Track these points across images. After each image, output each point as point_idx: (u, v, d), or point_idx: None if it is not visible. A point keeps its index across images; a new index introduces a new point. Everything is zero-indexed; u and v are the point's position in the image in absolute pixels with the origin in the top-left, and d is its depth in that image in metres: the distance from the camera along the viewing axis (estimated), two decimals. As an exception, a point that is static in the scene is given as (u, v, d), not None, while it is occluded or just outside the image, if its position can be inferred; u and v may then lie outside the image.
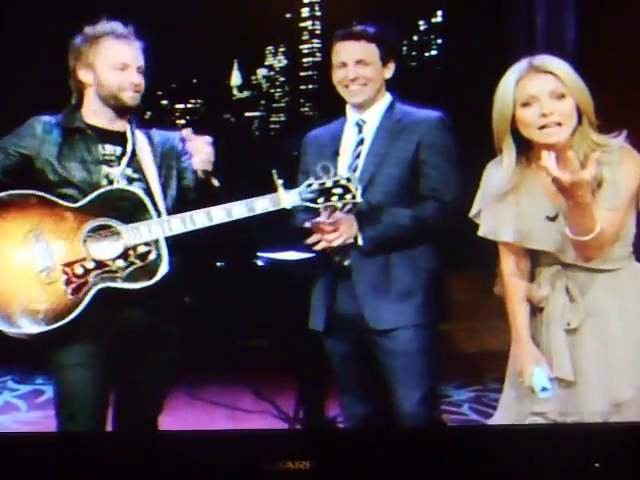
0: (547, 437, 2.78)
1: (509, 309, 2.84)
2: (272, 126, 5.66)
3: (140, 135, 3.11)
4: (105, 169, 3.03)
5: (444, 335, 3.29)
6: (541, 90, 2.66)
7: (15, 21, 4.84)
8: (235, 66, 5.64)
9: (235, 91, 5.66)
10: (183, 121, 5.55)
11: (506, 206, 2.78)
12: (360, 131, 3.24)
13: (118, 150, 3.06)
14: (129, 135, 3.08)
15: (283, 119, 5.63)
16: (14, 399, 4.82)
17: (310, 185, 3.02)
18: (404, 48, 5.06)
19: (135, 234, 2.96)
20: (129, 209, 2.98)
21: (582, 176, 2.52)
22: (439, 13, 5.53)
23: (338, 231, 3.10)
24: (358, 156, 3.21)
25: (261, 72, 5.70)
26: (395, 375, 3.15)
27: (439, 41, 5.50)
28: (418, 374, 3.15)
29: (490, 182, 2.81)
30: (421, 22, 5.48)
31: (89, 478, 2.88)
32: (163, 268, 2.96)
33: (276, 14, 5.43)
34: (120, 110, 3.06)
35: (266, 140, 5.62)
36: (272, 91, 5.71)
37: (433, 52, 5.53)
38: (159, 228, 2.97)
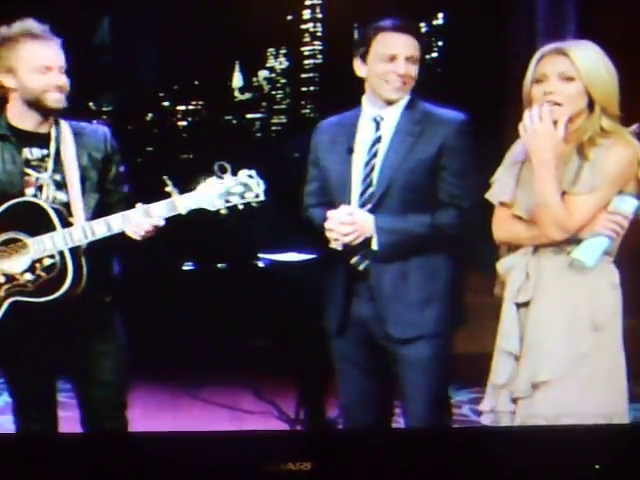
0: (547, 439, 2.78)
1: None
2: (273, 128, 5.66)
3: (67, 136, 3.04)
4: (34, 174, 2.99)
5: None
6: (552, 70, 2.77)
7: None
8: (236, 68, 5.64)
9: (236, 93, 5.66)
10: (184, 123, 5.55)
11: (513, 172, 2.88)
12: (378, 128, 3.14)
13: (44, 153, 3.01)
14: (53, 136, 3.02)
15: (284, 121, 5.63)
16: (15, 400, 4.82)
17: (206, 187, 2.93)
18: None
19: (40, 246, 2.95)
20: (36, 221, 2.95)
21: (546, 129, 2.69)
22: (440, 15, 5.54)
23: (355, 228, 3.03)
24: (375, 155, 3.12)
25: (262, 74, 5.70)
26: (406, 382, 3.12)
27: (440, 43, 5.50)
28: (430, 382, 3.11)
29: (512, 151, 2.92)
30: (422, 24, 5.48)
31: (88, 478, 2.88)
32: (67, 281, 2.93)
33: (277, 16, 5.42)
34: (45, 113, 3.00)
35: (267, 142, 5.62)
36: (273, 93, 5.71)
37: (434, 54, 5.53)
38: (61, 240, 2.94)
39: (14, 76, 2.98)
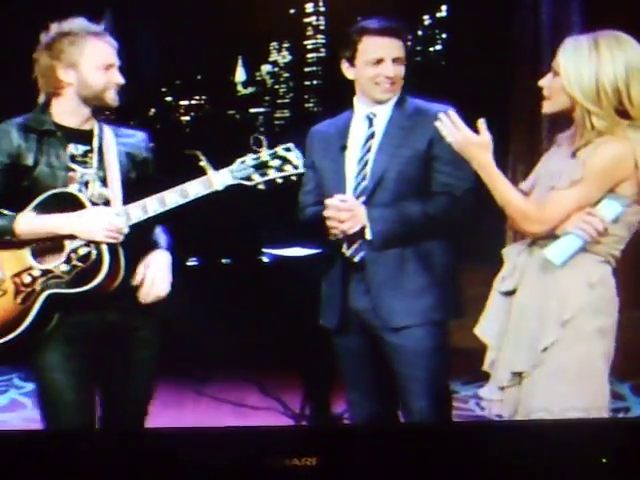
0: (554, 432, 2.77)
1: None
2: (277, 122, 5.66)
3: (108, 134, 3.04)
4: (79, 170, 2.98)
5: (451, 331, 3.28)
6: (553, 62, 2.74)
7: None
8: (239, 62, 5.63)
9: (240, 87, 5.65)
10: (188, 117, 5.54)
11: (542, 164, 2.87)
12: (371, 125, 3.19)
13: (87, 148, 3.00)
14: (96, 132, 3.02)
15: (288, 115, 5.62)
16: (20, 397, 4.83)
17: (244, 162, 2.91)
18: (409, 43, 5.04)
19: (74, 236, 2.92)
20: (70, 211, 2.92)
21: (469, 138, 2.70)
22: (443, 8, 5.52)
23: (352, 214, 3.03)
24: (369, 150, 3.17)
25: (265, 68, 5.69)
26: (404, 373, 3.14)
27: (444, 36, 5.48)
28: (428, 372, 3.13)
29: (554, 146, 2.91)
30: (425, 17, 5.47)
31: (94, 475, 2.88)
32: (104, 269, 2.90)
33: (280, 10, 5.41)
34: (98, 110, 3.01)
35: (271, 136, 5.61)
36: (276, 87, 5.70)
37: (438, 47, 5.52)
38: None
39: (75, 71, 2.96)
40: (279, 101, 5.69)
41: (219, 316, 4.52)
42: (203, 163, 2.87)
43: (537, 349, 2.73)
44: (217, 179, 2.89)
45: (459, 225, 3.14)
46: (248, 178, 2.89)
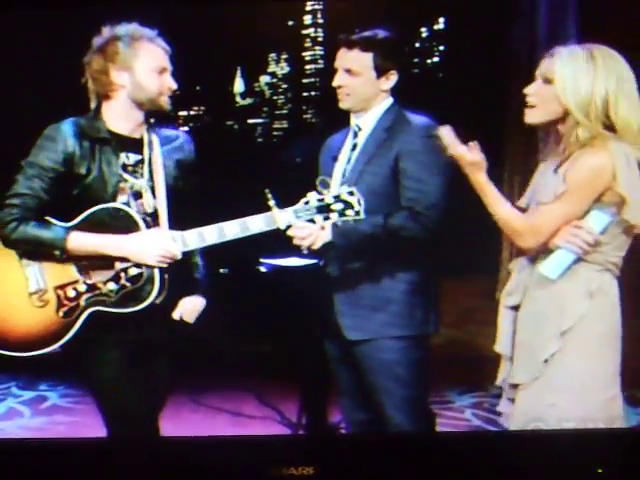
0: (549, 443, 2.78)
1: None
2: (275, 133, 5.67)
3: (156, 142, 3.02)
4: (131, 180, 2.96)
5: (446, 341, 3.29)
6: (540, 70, 2.73)
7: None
8: (238, 73, 5.64)
9: (238, 98, 5.66)
10: (186, 128, 5.55)
11: (532, 180, 2.87)
12: (355, 136, 3.22)
13: (138, 158, 2.98)
14: (146, 141, 3.00)
15: (286, 126, 5.63)
16: (18, 405, 4.82)
17: (307, 202, 2.91)
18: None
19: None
20: (122, 228, 2.90)
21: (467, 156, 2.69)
22: (441, 20, 5.54)
23: (310, 231, 2.99)
24: (348, 162, 3.19)
25: (264, 79, 5.70)
26: (373, 386, 3.14)
27: (441, 48, 5.50)
28: (397, 386, 3.12)
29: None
30: (423, 29, 5.48)
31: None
32: (154, 292, 2.90)
33: (279, 21, 5.43)
34: (149, 114, 2.98)
35: (269, 147, 5.62)
36: (275, 98, 5.71)
37: (435, 59, 5.54)
38: None
39: (129, 74, 2.94)
40: (277, 112, 5.69)
41: (216, 326, 4.52)
42: (271, 202, 2.87)
43: (532, 361, 2.74)
44: (281, 218, 2.88)
45: (419, 240, 3.09)
46: (311, 219, 2.90)
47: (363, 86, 3.16)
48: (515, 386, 2.79)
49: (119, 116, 2.97)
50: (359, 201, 2.88)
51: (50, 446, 3.27)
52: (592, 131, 2.66)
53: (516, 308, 2.82)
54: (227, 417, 4.44)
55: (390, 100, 3.21)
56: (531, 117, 2.75)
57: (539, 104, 2.72)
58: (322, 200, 2.89)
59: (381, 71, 3.16)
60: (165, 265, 2.89)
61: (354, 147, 3.20)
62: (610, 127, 2.67)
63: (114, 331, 2.93)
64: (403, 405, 3.13)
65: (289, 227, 2.92)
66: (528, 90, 2.74)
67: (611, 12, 4.32)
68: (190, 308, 3.07)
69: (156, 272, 2.90)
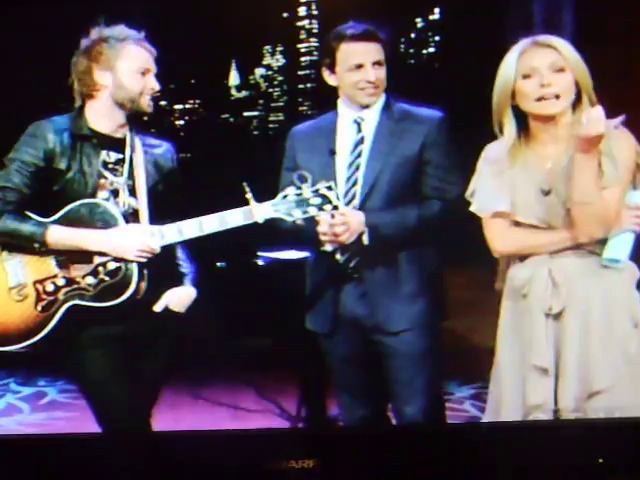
0: (551, 433, 2.78)
1: None
2: (271, 125, 5.65)
3: (138, 143, 3.06)
4: (110, 177, 2.99)
5: (445, 332, 3.29)
6: (542, 62, 2.76)
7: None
8: (233, 66, 5.63)
9: (233, 91, 5.65)
10: (182, 122, 5.54)
11: (503, 179, 2.83)
12: (359, 129, 3.19)
13: (119, 157, 3.02)
14: (128, 141, 3.04)
15: (282, 118, 5.61)
16: (17, 401, 4.82)
17: (286, 196, 2.93)
18: (402, 46, 5.06)
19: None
20: (101, 224, 2.93)
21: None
22: (436, 10, 5.52)
23: (347, 227, 3.03)
24: (359, 155, 3.17)
25: (259, 72, 5.68)
26: (400, 375, 3.15)
27: (437, 38, 5.48)
28: (423, 375, 3.16)
29: (488, 159, 2.88)
30: (418, 19, 5.47)
31: (93, 478, 2.88)
32: (132, 286, 2.92)
33: (273, 14, 5.41)
34: (131, 115, 3.02)
35: (265, 140, 5.61)
36: (270, 90, 5.69)
37: (431, 50, 5.52)
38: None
39: (112, 74, 2.99)
40: (273, 104, 5.68)
41: (214, 319, 4.51)
42: (248, 195, 2.90)
43: (617, 360, 2.73)
44: (259, 211, 2.92)
45: (448, 229, 3.15)
46: (289, 214, 2.92)
47: (385, 78, 3.18)
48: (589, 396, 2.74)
49: (102, 115, 3.02)
50: (337, 196, 2.93)
51: (50, 442, 3.27)
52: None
53: (554, 315, 2.77)
54: (226, 411, 4.43)
55: (383, 95, 3.22)
56: (556, 107, 2.77)
57: (562, 93, 2.76)
58: (300, 194, 2.91)
59: (385, 63, 3.18)
60: (144, 260, 2.89)
61: (362, 140, 3.18)
62: None
63: (97, 327, 2.96)
64: (425, 395, 3.17)
65: (267, 221, 2.94)
66: (547, 81, 2.75)
67: (607, 1, 4.31)
68: (175, 299, 3.07)
69: (135, 266, 2.92)
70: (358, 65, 3.13)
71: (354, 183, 3.17)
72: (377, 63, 3.15)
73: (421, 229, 3.13)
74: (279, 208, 2.92)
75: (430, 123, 3.15)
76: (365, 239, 3.08)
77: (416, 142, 3.13)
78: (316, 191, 2.92)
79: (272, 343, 4.71)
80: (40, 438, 3.57)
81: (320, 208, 2.92)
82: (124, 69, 2.99)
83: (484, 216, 2.87)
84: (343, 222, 3.03)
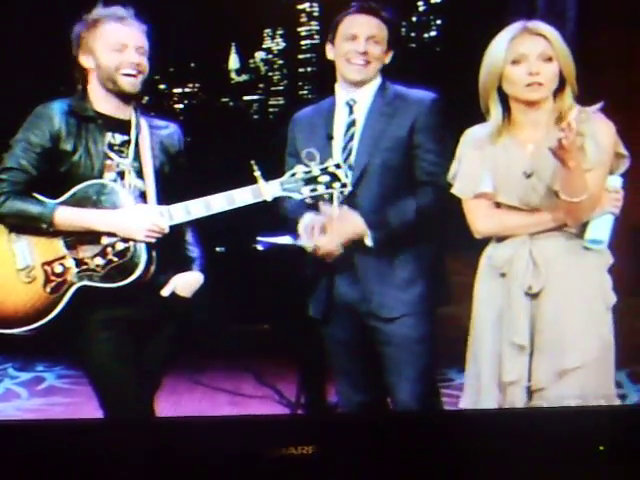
0: (551, 421, 2.78)
1: None
2: (271, 109, 5.63)
3: (144, 125, 3.04)
4: (116, 159, 2.98)
5: (444, 318, 3.28)
6: (531, 50, 2.78)
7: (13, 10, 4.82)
8: (233, 49, 5.60)
9: (233, 75, 5.62)
10: (181, 105, 5.52)
11: (485, 161, 2.86)
12: (351, 112, 3.17)
13: (125, 138, 3.00)
14: (134, 123, 3.02)
15: (282, 102, 5.59)
16: (15, 386, 4.82)
17: (294, 174, 2.92)
18: (403, 29, 5.03)
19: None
20: (109, 204, 2.92)
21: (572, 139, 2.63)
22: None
23: (334, 231, 3.02)
24: (352, 138, 3.14)
25: (259, 55, 5.66)
26: (395, 362, 3.14)
27: (438, 22, 5.46)
28: (419, 361, 3.14)
29: (470, 142, 2.90)
30: (420, 3, 5.44)
31: (91, 464, 2.88)
32: (141, 266, 2.91)
33: (273, -4, 5.39)
34: (121, 96, 2.99)
35: (265, 123, 5.59)
36: (270, 74, 5.67)
37: (432, 33, 5.50)
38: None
39: (93, 56, 2.98)
40: (273, 88, 5.66)
41: (214, 305, 4.50)
42: (257, 174, 2.89)
43: (591, 341, 2.76)
44: (267, 190, 2.91)
45: (446, 215, 3.11)
46: (298, 191, 2.91)
47: (380, 56, 3.14)
48: (560, 374, 2.78)
49: (100, 98, 3.01)
50: (346, 174, 2.92)
51: (48, 427, 3.26)
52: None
53: (534, 294, 2.81)
54: (226, 397, 4.44)
55: (379, 77, 3.19)
56: (539, 93, 2.80)
57: (546, 82, 2.79)
58: (309, 172, 2.91)
59: (388, 47, 3.15)
60: (153, 240, 2.89)
61: (353, 123, 3.15)
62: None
63: (104, 309, 2.94)
64: (421, 382, 3.15)
65: (275, 200, 2.94)
66: (535, 70, 2.78)
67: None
68: (182, 284, 3.06)
69: (143, 247, 2.91)
70: (353, 36, 3.11)
71: (349, 168, 3.11)
72: (372, 38, 3.11)
73: (420, 220, 3.10)
74: (288, 186, 2.92)
75: (421, 104, 3.11)
76: (368, 241, 3.06)
77: (406, 124, 3.09)
78: (325, 169, 2.92)
79: (272, 329, 4.71)
80: (38, 424, 3.56)
81: (329, 186, 2.91)
82: (101, 49, 2.98)
83: (466, 198, 2.89)
84: (324, 226, 3.02)
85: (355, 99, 3.17)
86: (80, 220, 2.91)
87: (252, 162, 2.89)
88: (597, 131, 2.75)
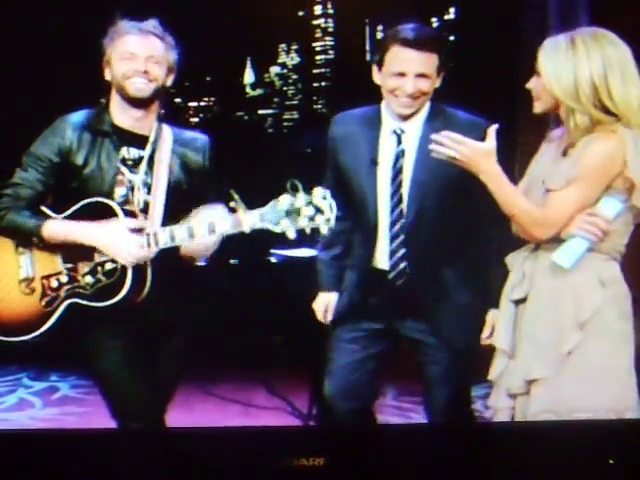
0: (561, 433, 2.77)
1: None
2: (285, 124, 5.66)
3: (165, 140, 3.03)
4: (127, 174, 2.98)
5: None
6: (537, 63, 2.77)
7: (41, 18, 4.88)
8: (248, 64, 5.63)
9: (248, 89, 5.66)
10: (197, 119, 5.55)
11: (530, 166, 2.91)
12: (399, 142, 3.05)
13: (140, 154, 3.00)
14: (152, 139, 3.01)
15: (296, 117, 5.62)
16: (29, 396, 4.85)
17: (276, 205, 2.76)
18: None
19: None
20: (103, 220, 2.93)
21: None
22: (452, 10, 5.52)
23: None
24: (400, 171, 3.04)
25: (274, 70, 5.69)
26: (440, 378, 3.15)
27: (451, 38, 5.48)
28: (462, 375, 3.18)
29: None
30: (434, 19, 5.47)
31: (103, 474, 2.89)
32: (125, 287, 2.90)
33: (289, 12, 5.42)
34: (137, 105, 2.99)
35: (279, 138, 5.61)
36: (285, 89, 5.70)
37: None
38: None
39: (110, 68, 3.01)
40: (287, 103, 5.69)
41: (227, 316, 4.52)
42: (234, 204, 2.79)
43: (557, 354, 2.73)
44: (246, 220, 2.78)
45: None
46: (277, 223, 2.75)
47: (431, 88, 3.01)
48: (531, 381, 2.78)
49: (118, 110, 3.01)
50: (331, 207, 2.73)
51: (61, 437, 3.27)
52: (591, 116, 2.67)
53: (519, 302, 2.82)
54: (238, 408, 4.45)
55: (428, 103, 3.07)
56: (535, 108, 2.80)
57: (538, 96, 2.77)
58: (292, 204, 2.75)
59: (439, 72, 3.02)
60: (132, 263, 2.90)
61: (402, 153, 3.04)
62: (611, 112, 2.67)
63: (108, 319, 2.95)
64: (459, 393, 3.19)
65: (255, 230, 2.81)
66: (529, 85, 2.79)
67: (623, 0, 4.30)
68: (195, 248, 3.01)
69: (129, 269, 2.91)
70: (401, 73, 2.96)
71: (399, 201, 3.04)
72: (422, 75, 2.96)
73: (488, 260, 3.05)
74: (267, 217, 2.76)
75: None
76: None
77: None
78: (309, 201, 2.73)
79: (284, 341, 4.72)
80: (51, 433, 3.57)
81: (311, 219, 2.73)
82: (114, 59, 3.00)
83: None
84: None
85: (403, 129, 3.04)
86: (65, 233, 2.93)
87: (232, 191, 2.80)
88: (582, 151, 2.68)
